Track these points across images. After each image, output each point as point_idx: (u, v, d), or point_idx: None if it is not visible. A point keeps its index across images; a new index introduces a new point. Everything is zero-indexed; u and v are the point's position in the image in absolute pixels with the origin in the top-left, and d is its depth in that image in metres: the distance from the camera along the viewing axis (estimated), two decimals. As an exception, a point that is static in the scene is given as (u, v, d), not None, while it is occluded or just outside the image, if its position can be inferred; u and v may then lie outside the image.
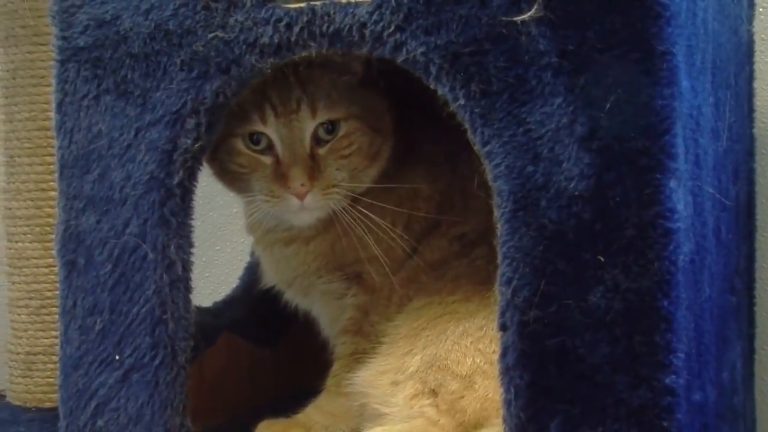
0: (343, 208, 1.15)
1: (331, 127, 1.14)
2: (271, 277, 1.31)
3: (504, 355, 0.89)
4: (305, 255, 1.23)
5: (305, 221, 1.19)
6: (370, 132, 1.16)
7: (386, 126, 1.19)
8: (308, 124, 1.13)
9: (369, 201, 1.16)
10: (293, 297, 1.30)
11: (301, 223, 1.20)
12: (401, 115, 1.23)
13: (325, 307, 1.28)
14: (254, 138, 1.15)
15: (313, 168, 1.13)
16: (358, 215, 1.14)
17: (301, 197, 1.12)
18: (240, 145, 1.15)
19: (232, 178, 1.19)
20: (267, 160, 1.15)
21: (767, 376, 1.51)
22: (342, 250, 1.17)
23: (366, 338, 1.19)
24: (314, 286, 1.26)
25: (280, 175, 1.13)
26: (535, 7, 0.87)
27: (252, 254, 1.43)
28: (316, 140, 1.14)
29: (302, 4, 0.97)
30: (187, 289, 1.08)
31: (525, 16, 0.87)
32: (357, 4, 0.95)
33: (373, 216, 1.14)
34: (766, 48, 1.49)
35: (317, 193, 1.13)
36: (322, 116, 1.13)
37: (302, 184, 1.12)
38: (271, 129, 1.13)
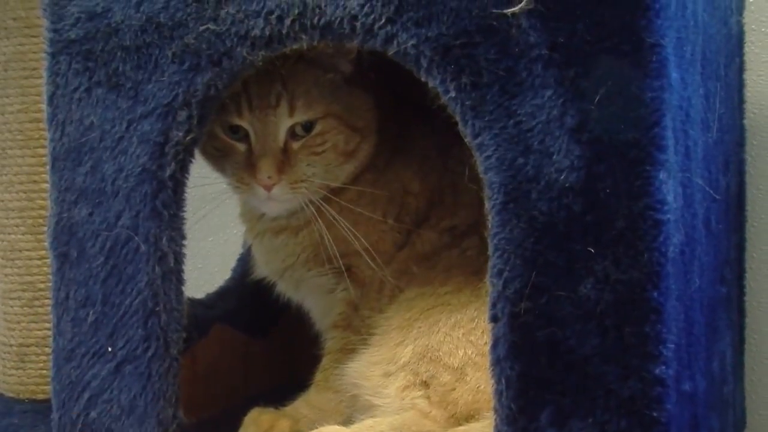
0: (325, 200, 1.16)
1: (309, 124, 1.15)
2: (262, 269, 1.31)
3: (495, 346, 0.89)
4: (294, 246, 1.24)
5: (274, 211, 1.21)
6: (346, 130, 1.17)
7: (367, 124, 1.19)
8: (284, 121, 1.14)
9: (357, 194, 1.17)
10: (285, 289, 1.31)
11: (270, 212, 1.22)
12: (395, 108, 1.23)
13: (316, 302, 1.28)
14: (232, 127, 1.16)
15: (284, 162, 1.14)
16: (345, 208, 1.15)
17: (267, 188, 1.14)
18: (218, 130, 1.16)
19: (208, 158, 1.20)
20: (241, 147, 1.16)
21: (757, 366, 1.52)
22: (331, 242, 1.17)
23: (356, 333, 1.19)
24: (304, 280, 1.26)
25: (250, 164, 1.14)
26: (526, -1, 0.87)
27: (244, 245, 1.43)
28: (292, 134, 1.15)
29: (293, -4, 0.97)
30: (180, 281, 1.09)
31: (515, 9, 0.87)
32: (348, -4, 0.95)
33: (361, 209, 1.16)
34: (756, 39, 1.49)
35: (285, 186, 1.14)
36: (300, 115, 1.14)
37: (269, 177, 1.13)
38: (245, 122, 1.14)
